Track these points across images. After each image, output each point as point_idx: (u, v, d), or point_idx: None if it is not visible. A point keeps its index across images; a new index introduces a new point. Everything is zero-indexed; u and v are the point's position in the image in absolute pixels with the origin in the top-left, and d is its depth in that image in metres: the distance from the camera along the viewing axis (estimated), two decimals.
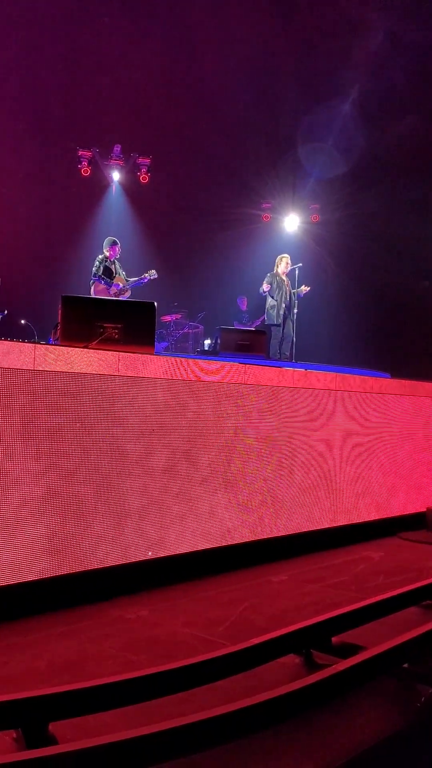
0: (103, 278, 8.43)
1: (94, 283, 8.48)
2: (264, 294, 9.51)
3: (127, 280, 8.60)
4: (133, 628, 3.71)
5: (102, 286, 8.43)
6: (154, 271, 8.55)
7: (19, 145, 11.56)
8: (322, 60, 11.97)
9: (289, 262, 9.73)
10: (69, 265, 11.35)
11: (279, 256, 9.84)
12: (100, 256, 8.59)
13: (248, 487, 5.22)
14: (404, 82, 11.46)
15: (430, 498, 6.99)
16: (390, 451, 6.63)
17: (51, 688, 2.53)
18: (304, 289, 9.57)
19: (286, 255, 9.87)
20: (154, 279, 8.54)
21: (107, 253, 8.59)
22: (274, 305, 9.47)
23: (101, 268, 8.50)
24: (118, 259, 8.72)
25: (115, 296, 8.37)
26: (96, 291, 8.43)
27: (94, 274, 8.49)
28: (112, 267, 8.58)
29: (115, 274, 8.58)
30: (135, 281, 8.61)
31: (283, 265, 9.67)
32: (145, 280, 8.53)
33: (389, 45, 11.29)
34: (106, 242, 8.69)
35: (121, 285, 8.49)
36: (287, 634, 3.15)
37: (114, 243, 8.67)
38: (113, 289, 8.44)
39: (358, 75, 11.86)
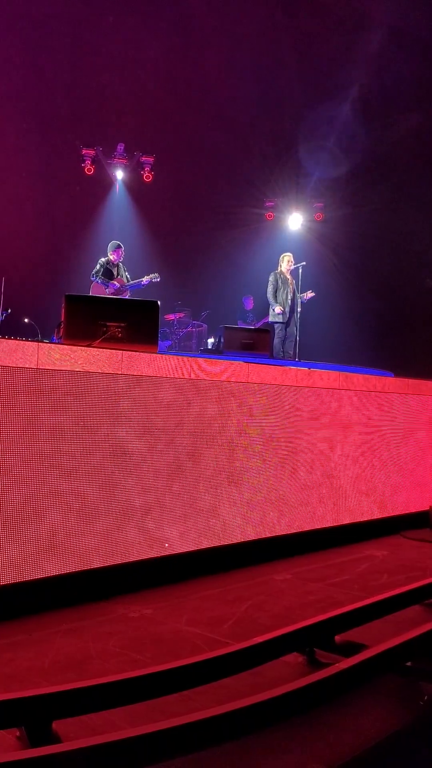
0: (101, 278, 8.51)
1: (93, 283, 8.56)
2: (279, 314, 9.44)
3: (126, 282, 8.65)
4: (136, 626, 3.72)
5: (100, 286, 8.51)
6: (156, 273, 8.57)
7: (23, 143, 11.59)
8: (325, 57, 11.96)
9: (292, 260, 9.73)
10: (72, 263, 11.37)
11: (282, 255, 9.85)
12: (102, 259, 8.67)
13: (251, 485, 5.22)
14: (410, 79, 11.43)
15: None
16: (393, 449, 6.62)
17: (54, 686, 2.54)
18: (308, 294, 9.53)
19: (288, 253, 9.87)
20: (156, 282, 8.55)
21: (111, 257, 8.67)
22: (280, 312, 9.43)
23: (101, 270, 8.58)
24: (122, 262, 8.77)
25: (113, 296, 8.41)
26: (94, 291, 8.50)
27: (94, 274, 8.57)
28: (114, 270, 8.65)
29: (117, 276, 8.64)
30: (134, 283, 8.66)
31: (286, 263, 9.68)
32: (145, 283, 8.56)
33: (394, 40, 11.26)
34: (110, 246, 8.78)
35: (118, 285, 8.54)
36: (290, 633, 3.15)
37: (118, 247, 8.75)
38: (110, 289, 8.49)
39: (362, 71, 11.83)
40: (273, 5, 11.68)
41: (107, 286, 8.51)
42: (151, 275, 8.54)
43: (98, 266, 8.63)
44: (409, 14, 10.89)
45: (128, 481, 4.39)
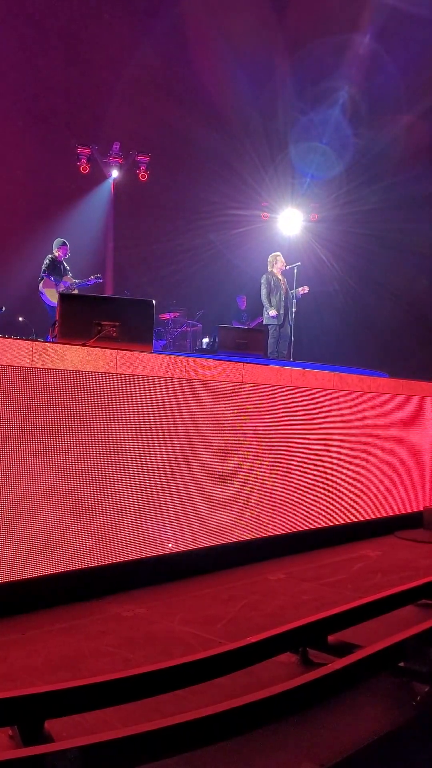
0: (52, 276, 8.73)
1: (43, 280, 8.78)
2: (273, 317, 9.44)
3: (74, 281, 8.92)
4: (130, 625, 3.72)
5: (51, 282, 8.71)
6: (99, 274, 9.19)
7: (19, 142, 11.57)
8: (319, 58, 11.96)
9: (284, 260, 9.66)
10: (68, 263, 11.35)
11: (272, 255, 9.69)
12: (49, 256, 9.08)
13: (245, 485, 5.22)
14: (403, 79, 11.46)
15: (427, 497, 7.00)
16: (387, 450, 6.63)
17: (47, 685, 2.53)
18: (302, 290, 9.50)
19: (278, 253, 9.74)
20: (100, 282, 9.12)
21: (57, 254, 9.07)
22: (274, 315, 9.41)
23: (51, 266, 8.98)
24: (66, 260, 9.14)
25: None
26: (45, 286, 8.70)
27: (43, 271, 8.80)
28: (61, 267, 9.04)
29: (64, 273, 8.94)
30: (81, 282, 8.99)
31: (279, 263, 9.59)
32: (91, 282, 8.96)
33: (386, 42, 11.28)
34: (55, 243, 9.22)
35: (69, 283, 8.80)
36: (283, 633, 3.15)
37: (63, 244, 9.19)
38: (61, 286, 8.73)
39: (355, 72, 11.85)
40: (268, 5, 11.69)
41: (58, 283, 8.74)
42: (95, 275, 9.08)
43: (47, 262, 8.98)
44: (403, 14, 10.91)
45: (122, 481, 4.39)
